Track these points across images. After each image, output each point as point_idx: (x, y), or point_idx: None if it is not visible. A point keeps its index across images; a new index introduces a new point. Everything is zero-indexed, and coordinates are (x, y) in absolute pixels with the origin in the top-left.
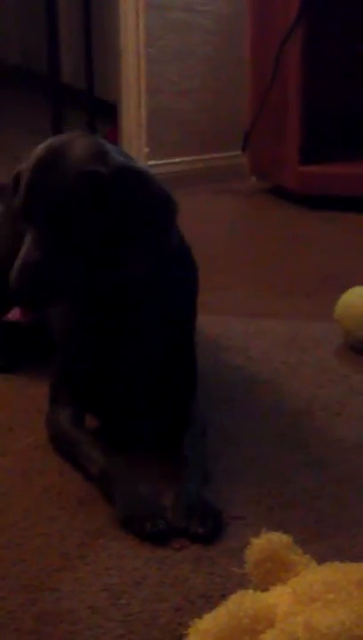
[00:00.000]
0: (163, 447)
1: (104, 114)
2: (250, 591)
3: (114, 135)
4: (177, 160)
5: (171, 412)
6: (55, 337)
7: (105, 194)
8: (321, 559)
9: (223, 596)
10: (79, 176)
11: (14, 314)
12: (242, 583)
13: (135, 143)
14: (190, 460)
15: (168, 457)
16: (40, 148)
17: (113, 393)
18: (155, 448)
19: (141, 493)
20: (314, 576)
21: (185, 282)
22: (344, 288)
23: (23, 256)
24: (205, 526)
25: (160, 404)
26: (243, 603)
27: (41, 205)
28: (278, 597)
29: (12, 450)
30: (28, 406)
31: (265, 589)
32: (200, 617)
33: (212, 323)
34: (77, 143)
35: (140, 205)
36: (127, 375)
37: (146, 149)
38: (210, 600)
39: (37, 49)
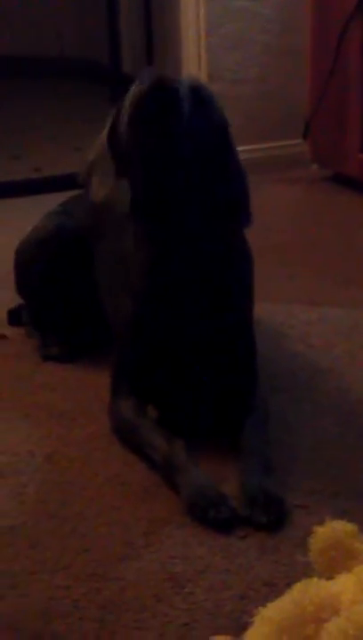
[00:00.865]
0: (225, 435)
1: None
2: (315, 579)
3: None
4: (238, 149)
5: (233, 399)
6: (113, 327)
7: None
8: None
9: (288, 585)
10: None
11: None
12: (306, 571)
13: None
14: (253, 449)
15: (231, 445)
16: None
17: (174, 381)
18: (217, 436)
19: (204, 481)
20: None
21: (242, 269)
22: None
23: None
24: (268, 514)
25: (221, 391)
26: (307, 591)
27: (186, 87)
28: (343, 585)
29: (75, 439)
30: (89, 395)
31: (330, 578)
32: (265, 605)
33: (274, 310)
34: None
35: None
36: (188, 363)
37: None
38: (274, 588)
39: (97, 38)
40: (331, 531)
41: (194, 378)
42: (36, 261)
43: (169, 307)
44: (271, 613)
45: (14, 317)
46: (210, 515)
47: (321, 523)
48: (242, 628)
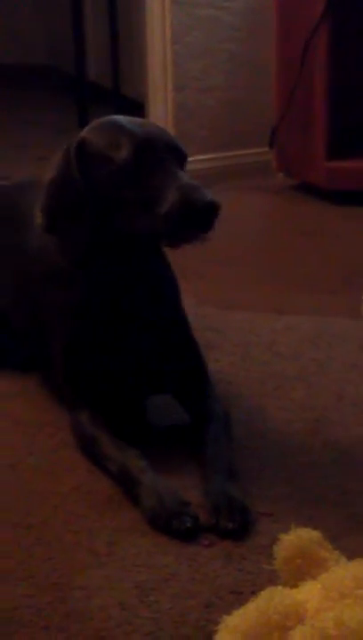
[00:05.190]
0: (186, 443)
1: (130, 111)
2: (280, 587)
3: None
4: (204, 157)
5: (189, 407)
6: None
7: None
8: (351, 555)
9: (253, 593)
10: None
11: None
12: (272, 579)
13: None
14: (215, 455)
15: (191, 453)
16: (138, 120)
17: (120, 390)
18: (179, 444)
19: (164, 490)
20: (344, 572)
21: (170, 276)
22: None
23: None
24: (233, 522)
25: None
26: (272, 599)
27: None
28: (308, 593)
29: (41, 448)
30: (55, 404)
31: (295, 585)
32: (230, 613)
33: (239, 319)
34: None
35: None
36: (130, 370)
37: None
38: (240, 596)
39: (64, 48)
40: (296, 538)
41: (138, 383)
42: None
43: (105, 323)
44: (237, 622)
45: None
46: (173, 525)
47: (287, 530)
48: (207, 636)
